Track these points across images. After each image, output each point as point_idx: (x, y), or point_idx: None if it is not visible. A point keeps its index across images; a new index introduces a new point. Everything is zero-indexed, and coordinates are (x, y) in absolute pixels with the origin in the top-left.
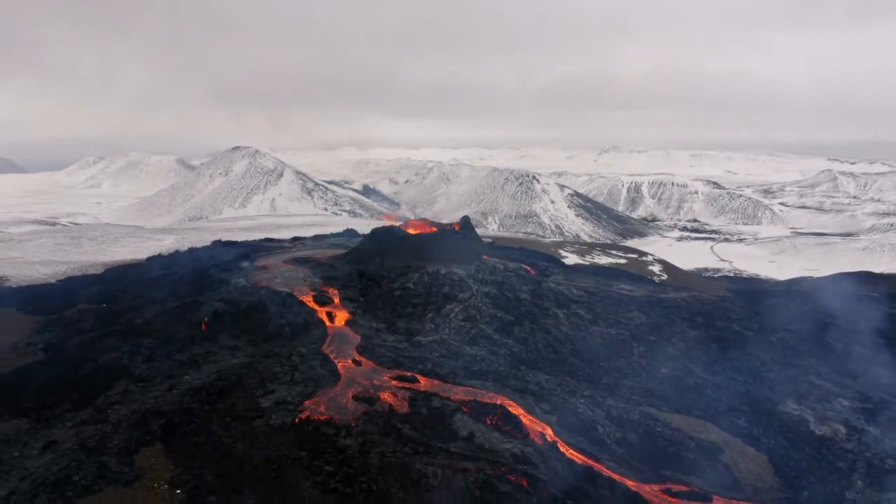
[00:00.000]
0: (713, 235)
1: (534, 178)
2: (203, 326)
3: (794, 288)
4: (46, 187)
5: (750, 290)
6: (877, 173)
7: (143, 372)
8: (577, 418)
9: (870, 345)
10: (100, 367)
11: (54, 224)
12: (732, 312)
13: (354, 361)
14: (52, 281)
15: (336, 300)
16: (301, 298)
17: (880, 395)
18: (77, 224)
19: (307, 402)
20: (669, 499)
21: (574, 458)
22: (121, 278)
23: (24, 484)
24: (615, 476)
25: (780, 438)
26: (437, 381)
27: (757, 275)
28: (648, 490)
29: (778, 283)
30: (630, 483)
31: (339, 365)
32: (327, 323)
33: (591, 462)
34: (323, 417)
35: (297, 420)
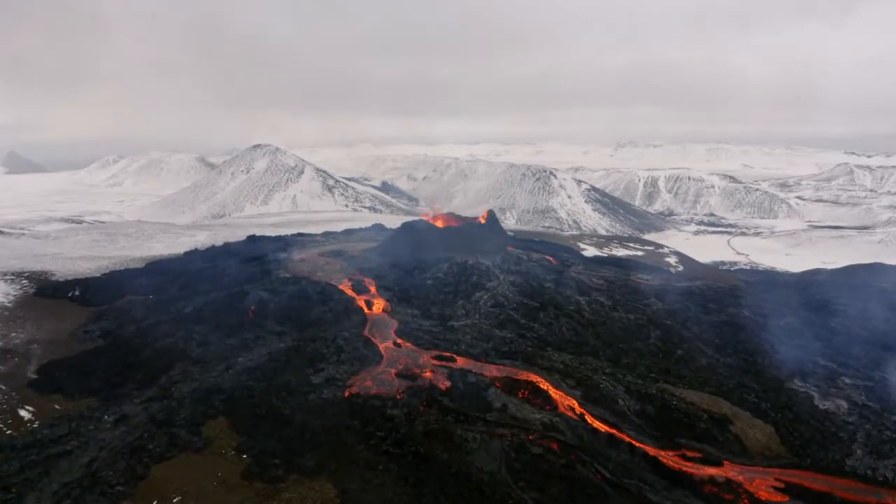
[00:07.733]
0: (730, 229)
1: (550, 173)
2: (250, 314)
3: (806, 278)
4: (69, 186)
5: (762, 281)
6: (893, 166)
7: (199, 355)
8: (600, 393)
9: (872, 330)
10: (158, 350)
11: (80, 222)
12: (743, 300)
13: (395, 343)
14: (97, 275)
15: (372, 289)
16: (339, 287)
17: (882, 375)
18: (102, 222)
19: (354, 379)
20: (685, 462)
21: (598, 427)
22: (164, 271)
23: (103, 453)
24: (635, 443)
25: (786, 412)
26: (471, 360)
27: (773, 267)
28: (665, 455)
29: (792, 274)
30: (649, 449)
31: (381, 346)
32: (366, 310)
33: (613, 431)
34: (371, 392)
35: (346, 394)
